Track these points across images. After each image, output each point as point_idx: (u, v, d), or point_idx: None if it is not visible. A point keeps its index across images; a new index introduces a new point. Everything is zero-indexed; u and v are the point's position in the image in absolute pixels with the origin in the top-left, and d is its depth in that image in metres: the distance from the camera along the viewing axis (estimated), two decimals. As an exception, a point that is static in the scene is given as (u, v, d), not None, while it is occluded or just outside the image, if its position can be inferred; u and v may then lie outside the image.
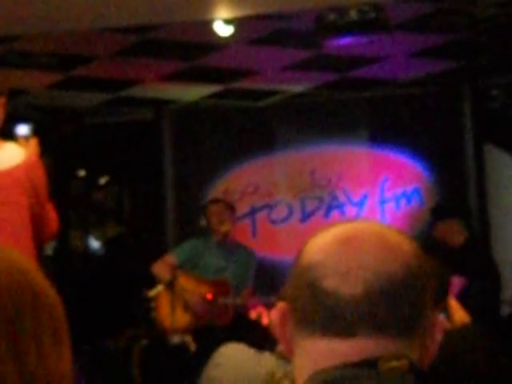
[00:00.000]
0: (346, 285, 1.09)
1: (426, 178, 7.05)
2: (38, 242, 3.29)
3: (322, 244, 1.13)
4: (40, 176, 3.28)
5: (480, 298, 5.46)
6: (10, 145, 3.31)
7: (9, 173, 3.23)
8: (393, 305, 1.09)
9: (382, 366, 1.07)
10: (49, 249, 7.56)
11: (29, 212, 3.22)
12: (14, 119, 3.30)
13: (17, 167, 3.24)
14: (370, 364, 1.07)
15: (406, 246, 1.13)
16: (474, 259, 5.90)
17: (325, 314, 1.09)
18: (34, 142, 3.28)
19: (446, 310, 3.11)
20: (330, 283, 1.10)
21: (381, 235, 1.13)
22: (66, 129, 7.77)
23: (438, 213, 6.26)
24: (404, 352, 1.09)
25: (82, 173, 8.38)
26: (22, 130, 3.28)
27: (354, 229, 1.15)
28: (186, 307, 5.76)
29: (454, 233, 6.02)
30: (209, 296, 5.80)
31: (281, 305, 1.16)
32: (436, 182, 7.02)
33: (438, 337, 1.14)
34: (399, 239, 1.14)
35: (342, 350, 1.09)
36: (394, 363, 1.07)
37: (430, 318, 1.13)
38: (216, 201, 6.33)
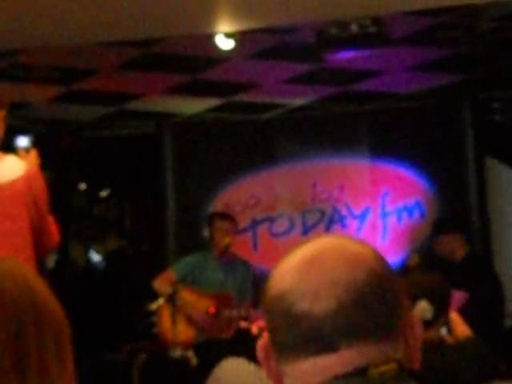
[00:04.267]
0: (318, 303, 1.09)
1: (427, 192, 7.04)
2: (39, 254, 3.28)
3: (286, 270, 1.14)
4: (40, 188, 3.28)
5: (482, 312, 5.44)
6: (10, 157, 3.31)
7: (9, 185, 3.23)
8: (367, 312, 1.09)
9: (371, 372, 1.07)
10: (50, 262, 7.55)
11: (29, 224, 3.22)
12: (14, 132, 3.29)
13: (17, 180, 3.23)
14: (359, 373, 1.07)
15: (367, 252, 1.14)
16: (475, 273, 5.88)
17: (304, 336, 1.09)
18: (34, 154, 3.28)
19: (447, 324, 3.09)
20: (302, 306, 1.10)
21: (341, 247, 1.14)
22: (67, 142, 7.78)
23: (439, 227, 6.25)
24: (390, 355, 1.09)
25: (83, 186, 8.38)
26: (22, 142, 3.28)
27: (315, 247, 1.15)
28: (189, 321, 5.74)
29: (455, 247, 6.00)
30: (212, 310, 5.78)
31: (264, 337, 1.16)
32: (437, 195, 7.01)
33: (418, 332, 1.15)
34: (358, 247, 1.15)
35: (329, 365, 1.09)
36: (383, 368, 1.07)
37: (406, 316, 1.13)
38: (223, 215, 6.25)
